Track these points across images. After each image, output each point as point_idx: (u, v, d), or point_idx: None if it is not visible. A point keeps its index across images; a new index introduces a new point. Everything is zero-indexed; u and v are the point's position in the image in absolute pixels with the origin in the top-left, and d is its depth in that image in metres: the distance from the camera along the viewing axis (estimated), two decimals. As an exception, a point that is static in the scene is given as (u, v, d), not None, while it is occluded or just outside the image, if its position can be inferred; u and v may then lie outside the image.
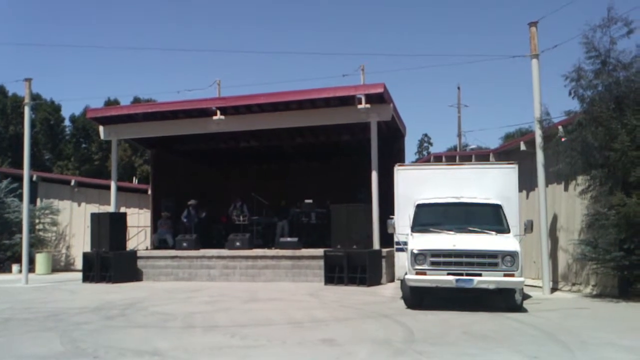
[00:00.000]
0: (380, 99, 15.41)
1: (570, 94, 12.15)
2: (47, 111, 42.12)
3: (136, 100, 39.73)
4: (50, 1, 68.93)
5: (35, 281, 16.99)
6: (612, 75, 11.74)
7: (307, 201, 17.82)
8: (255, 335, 7.88)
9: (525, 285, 10.44)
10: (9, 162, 37.00)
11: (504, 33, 74.75)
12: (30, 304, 11.82)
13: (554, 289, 13.03)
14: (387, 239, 13.72)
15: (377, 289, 13.75)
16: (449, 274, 9.72)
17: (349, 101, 15.64)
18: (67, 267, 21.90)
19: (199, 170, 22.63)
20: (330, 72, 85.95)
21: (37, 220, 21.67)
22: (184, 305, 11.21)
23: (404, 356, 6.61)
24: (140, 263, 16.96)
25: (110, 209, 18.41)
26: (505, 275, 9.57)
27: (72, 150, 42.75)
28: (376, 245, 15.06)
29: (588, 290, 12.48)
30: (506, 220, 10.79)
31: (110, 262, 16.17)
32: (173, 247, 17.62)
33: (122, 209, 20.06)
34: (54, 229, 22.36)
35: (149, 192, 21.16)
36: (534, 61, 13.15)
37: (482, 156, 17.83)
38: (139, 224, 21.02)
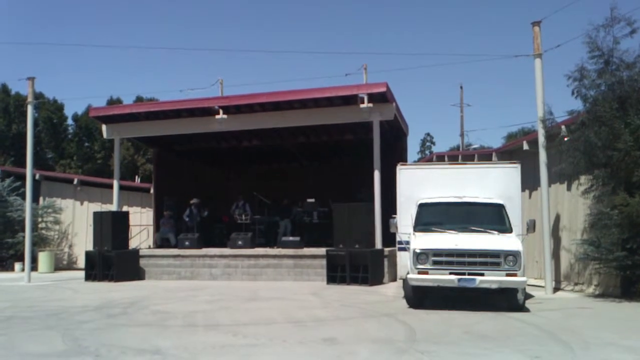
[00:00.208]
0: (382, 98, 15.40)
1: (573, 93, 12.14)
2: (50, 110, 42.23)
3: (139, 99, 39.83)
4: (53, 0, 69.06)
5: (38, 280, 17.03)
6: (615, 75, 11.71)
7: (309, 200, 17.82)
8: (256, 334, 7.88)
9: (528, 285, 10.42)
10: (12, 161, 37.11)
11: (507, 32, 74.72)
12: (33, 302, 11.85)
13: (556, 289, 13.00)
14: (390, 238, 13.72)
15: (379, 288, 13.74)
16: (451, 273, 9.71)
17: (351, 100, 15.63)
18: (70, 266, 21.95)
19: (201, 169, 22.66)
20: (333, 71, 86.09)
21: (39, 219, 21.72)
22: (186, 304, 11.22)
23: (406, 355, 6.59)
24: (142, 262, 16.98)
25: (113, 207, 18.46)
26: (507, 275, 9.56)
27: (74, 149, 42.82)
28: (378, 244, 15.05)
29: (590, 290, 12.45)
30: (508, 219, 10.76)
31: (112, 260, 16.20)
32: (175, 246, 17.66)
33: (125, 208, 20.13)
34: (57, 227, 22.43)
35: (152, 190, 21.20)
36: (537, 60, 13.12)
37: (484, 155, 17.80)
38: (141, 223, 21.06)
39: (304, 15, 79.51)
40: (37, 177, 21.39)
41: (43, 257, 20.31)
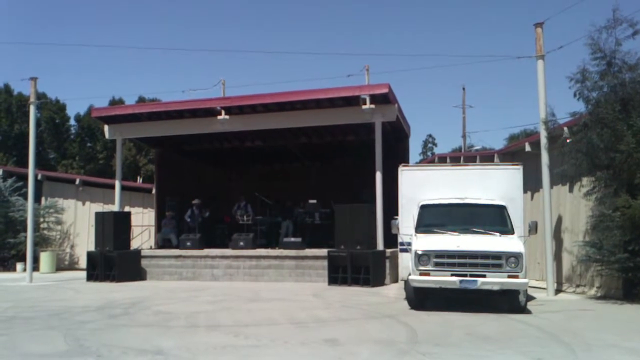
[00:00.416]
0: (384, 99, 15.41)
1: (575, 95, 12.13)
2: (52, 110, 42.28)
3: (141, 100, 39.82)
4: (55, 0, 69.21)
5: (40, 280, 17.05)
6: (618, 77, 11.69)
7: (311, 201, 17.81)
8: (258, 335, 7.88)
9: (529, 286, 10.41)
10: (14, 161, 37.18)
11: (509, 34, 74.60)
12: (34, 302, 11.86)
13: (558, 291, 12.98)
14: (391, 239, 13.71)
15: (380, 289, 13.74)
16: (452, 274, 9.69)
17: (353, 101, 15.64)
18: (71, 266, 21.98)
19: (203, 170, 22.67)
20: (335, 72, 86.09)
21: (41, 219, 21.76)
22: (187, 305, 11.23)
23: (407, 357, 6.59)
24: (144, 262, 16.99)
25: (115, 208, 18.47)
26: (509, 277, 9.54)
27: (76, 149, 42.90)
28: (380, 245, 15.05)
29: (592, 292, 12.43)
30: (510, 221, 10.75)
31: (114, 261, 16.21)
32: (177, 247, 17.66)
33: (127, 208, 20.14)
34: (59, 227, 22.46)
35: (153, 191, 21.20)
36: (540, 62, 13.11)
37: (486, 157, 17.79)
38: (143, 223, 21.09)
39: (305, 15, 79.59)
40: (39, 177, 21.45)
41: (45, 258, 20.34)
